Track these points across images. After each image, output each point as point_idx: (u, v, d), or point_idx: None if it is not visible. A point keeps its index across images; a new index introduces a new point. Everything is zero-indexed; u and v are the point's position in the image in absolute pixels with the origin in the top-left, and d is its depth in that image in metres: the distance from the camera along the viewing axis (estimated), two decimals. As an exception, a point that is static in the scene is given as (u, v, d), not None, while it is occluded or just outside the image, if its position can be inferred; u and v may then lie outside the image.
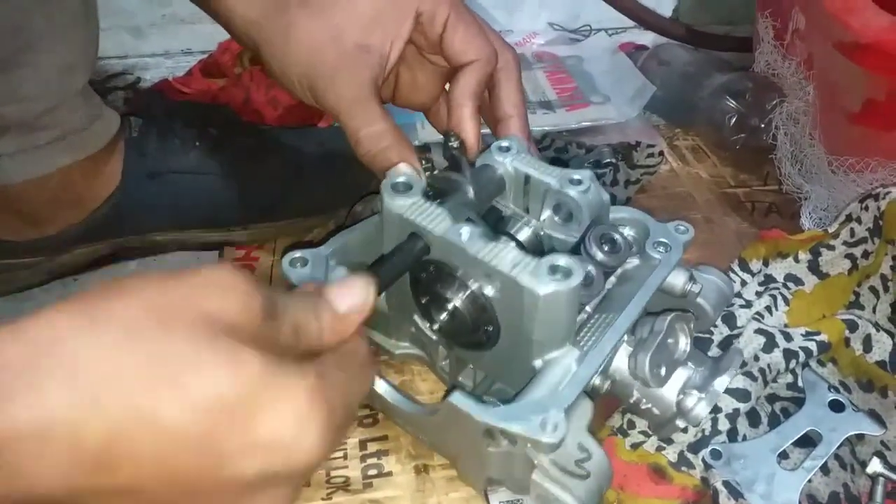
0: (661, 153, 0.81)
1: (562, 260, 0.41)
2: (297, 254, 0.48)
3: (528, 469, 0.43)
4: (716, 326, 0.59)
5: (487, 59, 0.52)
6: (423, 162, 0.51)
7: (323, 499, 0.51)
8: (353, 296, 0.34)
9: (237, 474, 0.27)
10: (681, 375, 0.47)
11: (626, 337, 0.47)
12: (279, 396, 0.27)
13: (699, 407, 0.46)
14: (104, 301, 0.26)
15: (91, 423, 0.24)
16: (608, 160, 0.76)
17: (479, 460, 0.45)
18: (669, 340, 0.47)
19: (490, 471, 0.46)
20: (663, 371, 0.46)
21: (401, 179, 0.47)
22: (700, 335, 0.58)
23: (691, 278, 0.51)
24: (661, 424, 0.49)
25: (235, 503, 0.28)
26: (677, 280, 0.51)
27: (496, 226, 0.52)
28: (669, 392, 0.47)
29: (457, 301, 0.46)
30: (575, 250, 0.49)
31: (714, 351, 0.58)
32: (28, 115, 0.59)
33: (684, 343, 0.48)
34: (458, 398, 0.41)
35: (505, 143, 0.52)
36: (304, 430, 0.28)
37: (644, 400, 0.48)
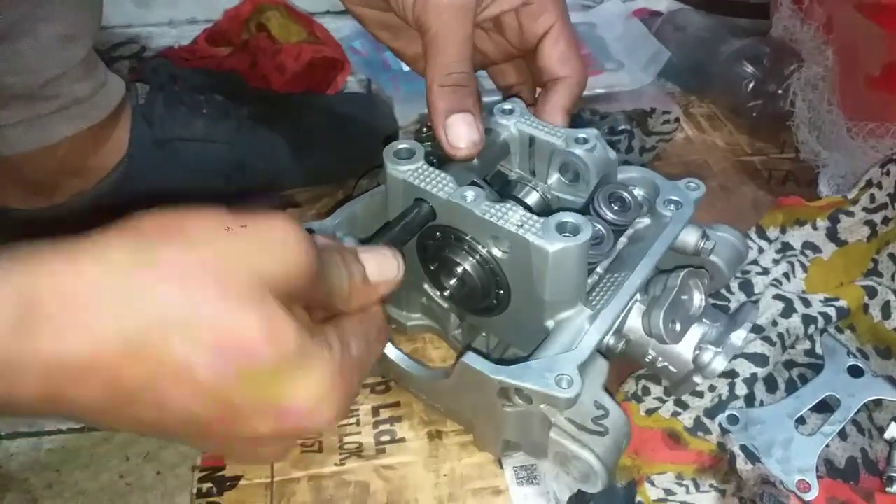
0: (676, 120, 0.80)
1: (569, 217, 0.41)
2: (304, 226, 0.47)
3: (545, 429, 0.43)
4: (733, 294, 0.59)
5: (579, 81, 0.52)
6: (425, 129, 0.50)
7: (336, 464, 0.51)
8: (386, 266, 0.36)
9: (250, 430, 0.29)
10: (696, 331, 0.47)
11: (639, 296, 0.46)
12: (306, 369, 0.29)
13: (716, 361, 0.45)
14: (164, 244, 0.27)
15: (132, 365, 0.26)
16: (623, 127, 0.75)
17: (496, 423, 0.45)
18: (683, 297, 0.46)
19: (507, 433, 0.46)
20: (678, 327, 0.46)
21: (403, 146, 0.46)
22: (717, 303, 0.58)
23: (704, 235, 0.50)
24: (679, 382, 0.48)
25: (242, 448, 0.31)
26: (690, 237, 0.50)
27: (502, 190, 0.52)
28: (685, 348, 0.47)
29: (465, 265, 0.46)
30: (584, 211, 0.49)
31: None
32: (31, 85, 0.58)
33: (699, 299, 0.47)
34: (471, 358, 0.41)
35: (508, 106, 0.51)
36: (325, 402, 0.29)
37: (660, 358, 0.47)
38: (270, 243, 0.29)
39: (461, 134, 0.45)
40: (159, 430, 0.29)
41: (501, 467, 0.51)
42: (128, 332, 0.25)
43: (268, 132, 0.71)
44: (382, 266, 0.35)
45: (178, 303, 0.26)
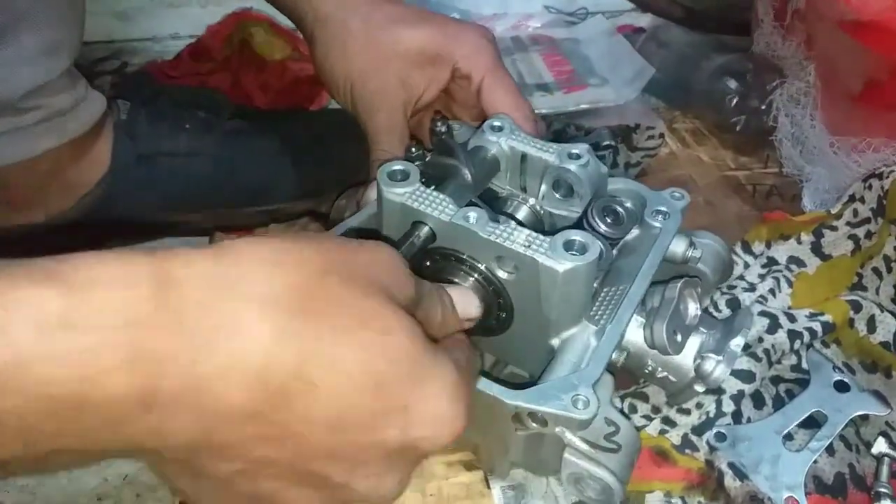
0: (661, 135, 0.80)
1: (576, 235, 0.40)
2: None
3: (558, 449, 0.43)
4: (720, 311, 0.59)
5: (524, 117, 0.55)
6: (414, 149, 0.49)
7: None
8: (468, 300, 0.38)
9: (388, 437, 0.28)
10: (695, 340, 0.47)
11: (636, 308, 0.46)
12: (439, 368, 0.29)
13: (718, 369, 0.45)
14: (293, 245, 0.27)
15: (280, 357, 0.25)
16: (607, 142, 0.75)
17: (504, 446, 0.44)
18: (681, 307, 0.46)
19: (515, 455, 0.45)
20: (679, 337, 0.46)
21: (397, 167, 0.46)
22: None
23: (691, 244, 0.50)
24: (678, 392, 0.48)
25: (370, 467, 0.29)
26: (678, 247, 0.50)
27: (492, 207, 0.51)
28: (686, 358, 0.46)
29: (467, 287, 0.45)
30: (577, 225, 0.48)
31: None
32: (11, 96, 0.57)
33: (694, 308, 0.47)
34: (485, 384, 0.40)
35: (497, 123, 0.51)
36: (456, 402, 0.29)
37: (660, 369, 0.47)
38: (381, 263, 0.30)
39: None
40: (291, 448, 0.27)
41: (489, 486, 0.50)
42: (272, 327, 0.25)
43: (251, 147, 0.70)
44: (465, 300, 0.37)
45: (314, 294, 0.26)
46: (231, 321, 0.25)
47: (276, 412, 0.26)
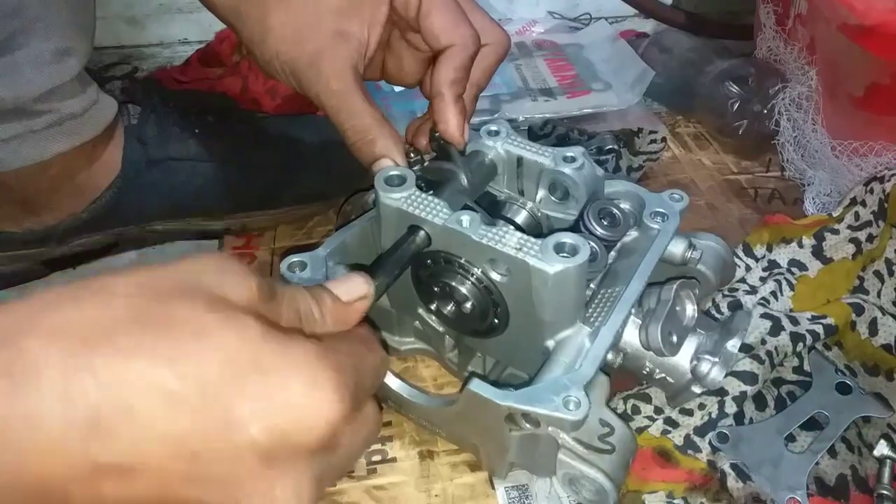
0: (663, 139, 0.81)
1: (566, 237, 0.41)
2: (295, 258, 0.47)
3: (552, 450, 0.43)
4: (722, 314, 0.59)
5: (464, 44, 0.49)
6: (412, 154, 0.50)
7: (327, 485, 0.50)
8: (353, 285, 0.34)
9: (248, 439, 0.25)
10: (692, 342, 0.47)
11: (633, 310, 0.47)
12: (287, 357, 0.26)
13: (714, 371, 0.46)
14: (94, 280, 0.26)
15: (82, 386, 0.23)
16: (610, 146, 0.75)
17: (502, 447, 0.45)
18: (677, 308, 0.47)
19: (512, 456, 0.46)
20: (675, 339, 0.46)
21: (394, 172, 0.46)
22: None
23: (690, 245, 0.50)
24: (677, 393, 0.49)
25: (254, 480, 0.26)
26: (677, 248, 0.50)
27: (491, 210, 0.52)
28: (682, 359, 0.47)
29: (463, 290, 0.46)
30: (574, 228, 0.49)
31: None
32: (23, 100, 0.58)
33: (691, 310, 0.47)
34: (477, 385, 0.41)
35: (494, 128, 0.52)
36: (316, 388, 0.26)
37: (657, 370, 0.48)
38: (207, 269, 0.28)
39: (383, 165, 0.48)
40: (145, 483, 0.25)
41: (493, 487, 0.51)
42: (72, 357, 0.23)
43: (259, 152, 0.71)
44: (350, 287, 0.34)
45: (120, 318, 0.24)
46: (24, 362, 0.23)
47: (104, 449, 0.24)
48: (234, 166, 0.69)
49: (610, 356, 0.45)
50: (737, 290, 0.61)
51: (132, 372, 0.24)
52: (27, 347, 0.23)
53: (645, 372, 0.48)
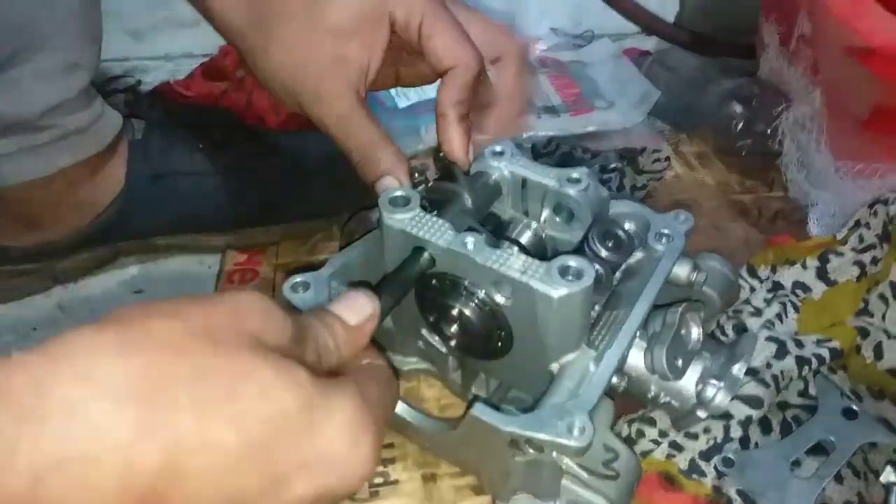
0: (667, 158, 0.81)
1: (571, 261, 0.41)
2: (298, 278, 0.46)
3: (556, 475, 0.43)
4: (727, 336, 0.59)
5: (467, 64, 0.49)
6: (416, 175, 0.50)
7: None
8: (359, 306, 0.35)
9: (295, 496, 0.26)
10: (697, 365, 0.47)
11: (638, 333, 0.46)
12: (333, 411, 0.27)
13: (720, 395, 0.45)
14: (142, 321, 0.25)
15: (143, 445, 0.23)
16: (614, 165, 0.75)
17: (504, 471, 0.44)
18: (682, 331, 0.46)
19: (515, 481, 0.45)
20: (680, 363, 0.46)
21: (398, 193, 0.46)
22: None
23: (696, 267, 0.50)
24: (682, 417, 0.48)
25: None
26: (682, 270, 0.50)
27: (496, 231, 0.52)
28: (688, 383, 0.47)
29: (467, 312, 0.45)
30: (579, 249, 0.49)
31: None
32: (28, 115, 0.58)
33: (696, 333, 0.47)
34: (480, 410, 0.40)
35: (498, 148, 0.51)
36: (359, 443, 0.28)
37: (662, 394, 0.47)
38: (250, 310, 0.28)
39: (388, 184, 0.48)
40: None
41: (496, 511, 0.50)
42: (128, 414, 0.23)
43: (264, 167, 0.71)
44: (354, 307, 0.34)
45: (174, 370, 0.24)
46: (75, 427, 0.22)
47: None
48: (238, 181, 0.69)
49: (614, 380, 0.45)
50: (741, 311, 0.61)
51: (195, 435, 0.24)
52: (76, 414, 0.23)
53: (650, 396, 0.48)
